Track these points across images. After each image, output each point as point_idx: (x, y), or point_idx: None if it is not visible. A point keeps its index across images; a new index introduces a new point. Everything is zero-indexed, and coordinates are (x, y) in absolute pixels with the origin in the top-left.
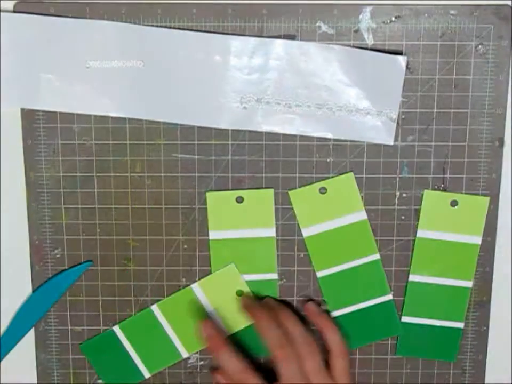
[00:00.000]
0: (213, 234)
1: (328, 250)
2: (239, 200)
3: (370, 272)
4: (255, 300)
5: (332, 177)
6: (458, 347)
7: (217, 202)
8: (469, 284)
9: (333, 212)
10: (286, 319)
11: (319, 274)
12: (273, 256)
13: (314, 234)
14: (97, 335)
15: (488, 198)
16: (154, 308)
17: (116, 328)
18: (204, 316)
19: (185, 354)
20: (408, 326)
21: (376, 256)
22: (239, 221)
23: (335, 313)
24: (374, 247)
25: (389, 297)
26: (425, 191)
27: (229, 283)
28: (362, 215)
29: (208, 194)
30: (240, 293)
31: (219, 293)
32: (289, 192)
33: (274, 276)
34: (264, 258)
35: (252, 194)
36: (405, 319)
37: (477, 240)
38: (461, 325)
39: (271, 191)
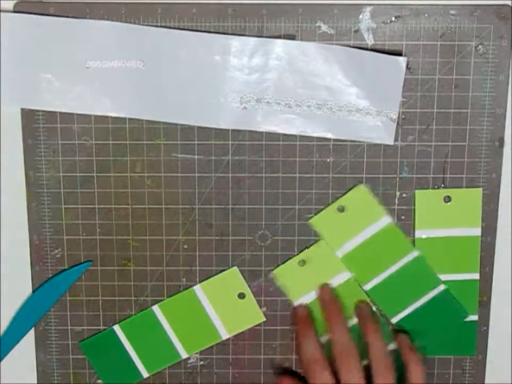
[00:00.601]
0: None
1: (366, 262)
2: None
3: (415, 270)
4: (334, 295)
5: (345, 193)
6: (476, 339)
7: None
8: (476, 276)
9: (356, 226)
10: (371, 332)
11: (366, 287)
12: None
13: (347, 252)
14: (97, 334)
15: (480, 189)
16: (155, 308)
17: (116, 327)
18: (205, 317)
19: (184, 355)
20: None
21: (415, 254)
22: None
23: (395, 319)
24: (410, 246)
25: (442, 287)
26: (416, 191)
27: (231, 285)
28: (386, 220)
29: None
30: (242, 296)
31: (221, 295)
32: (310, 222)
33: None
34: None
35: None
36: None
37: (477, 231)
38: (475, 317)
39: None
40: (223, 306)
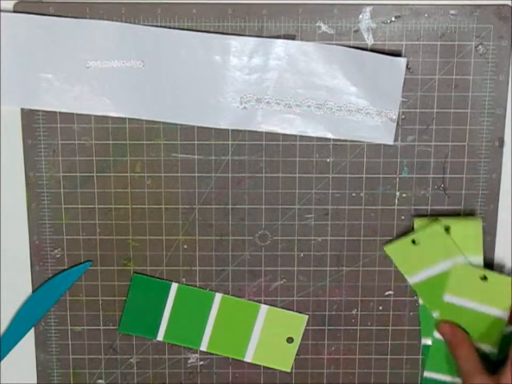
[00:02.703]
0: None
1: (434, 293)
2: None
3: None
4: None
5: (420, 229)
6: None
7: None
8: None
9: (428, 259)
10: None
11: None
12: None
13: (419, 280)
14: (154, 278)
15: (480, 220)
16: (218, 295)
17: (174, 285)
18: (246, 333)
19: (203, 347)
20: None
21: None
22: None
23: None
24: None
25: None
26: (415, 219)
27: (289, 325)
28: (458, 259)
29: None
30: (290, 340)
31: (275, 327)
32: (385, 248)
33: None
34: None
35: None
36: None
37: (478, 260)
38: None
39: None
40: (268, 338)
